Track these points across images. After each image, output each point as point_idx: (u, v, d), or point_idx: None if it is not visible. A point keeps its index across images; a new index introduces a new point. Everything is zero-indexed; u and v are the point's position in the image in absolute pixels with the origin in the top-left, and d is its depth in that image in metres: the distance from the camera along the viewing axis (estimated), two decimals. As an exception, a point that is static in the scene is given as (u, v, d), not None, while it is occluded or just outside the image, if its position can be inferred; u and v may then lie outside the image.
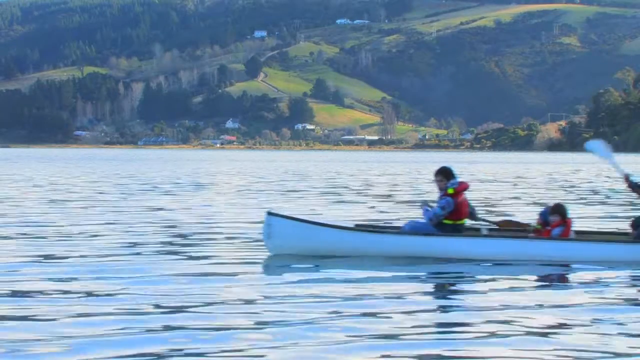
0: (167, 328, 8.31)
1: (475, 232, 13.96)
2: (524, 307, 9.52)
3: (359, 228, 13.92)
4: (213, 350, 7.53)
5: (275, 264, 12.87)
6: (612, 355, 7.52)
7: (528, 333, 8.28)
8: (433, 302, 10.18)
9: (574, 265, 12.78)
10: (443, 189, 13.58)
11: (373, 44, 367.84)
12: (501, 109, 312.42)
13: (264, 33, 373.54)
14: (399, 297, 10.09)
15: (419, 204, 13.95)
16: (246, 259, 13.30)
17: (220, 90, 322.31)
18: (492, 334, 8.20)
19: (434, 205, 13.68)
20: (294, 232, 13.35)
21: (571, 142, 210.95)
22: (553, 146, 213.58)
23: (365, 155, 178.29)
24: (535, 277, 11.91)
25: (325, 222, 13.92)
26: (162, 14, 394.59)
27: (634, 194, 14.19)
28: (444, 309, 9.70)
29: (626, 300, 10.24)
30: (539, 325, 8.64)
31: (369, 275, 11.77)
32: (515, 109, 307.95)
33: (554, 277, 12.00)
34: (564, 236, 13.45)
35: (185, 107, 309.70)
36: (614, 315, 9.19)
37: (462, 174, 55.05)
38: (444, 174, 13.66)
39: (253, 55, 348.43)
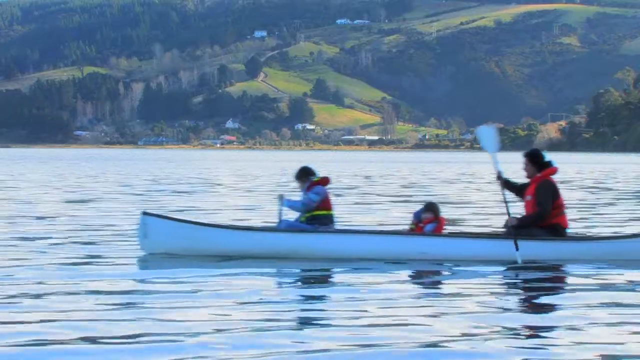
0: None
1: (349, 228, 14.16)
2: (393, 302, 9.64)
3: (234, 226, 13.97)
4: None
5: (149, 263, 12.83)
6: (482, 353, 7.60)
7: (391, 327, 8.40)
8: (300, 300, 10.24)
9: (446, 261, 12.92)
10: (307, 185, 13.71)
11: (373, 44, 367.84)
12: (501, 109, 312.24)
13: (264, 33, 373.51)
14: (272, 296, 10.14)
15: (277, 198, 13.78)
16: (120, 258, 13.23)
17: (220, 90, 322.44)
18: (366, 328, 8.32)
19: (293, 198, 13.80)
20: (169, 232, 13.29)
21: (571, 142, 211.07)
22: (553, 146, 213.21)
23: (365, 155, 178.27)
24: (407, 272, 12.20)
25: (200, 221, 14.08)
26: (162, 14, 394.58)
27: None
28: (311, 305, 9.88)
29: (492, 293, 10.55)
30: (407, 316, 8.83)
31: (241, 272, 11.78)
32: (515, 109, 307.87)
33: (428, 272, 12.30)
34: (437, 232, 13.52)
35: (185, 107, 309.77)
36: (484, 309, 9.40)
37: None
38: (305, 174, 13.80)
39: (253, 55, 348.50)
